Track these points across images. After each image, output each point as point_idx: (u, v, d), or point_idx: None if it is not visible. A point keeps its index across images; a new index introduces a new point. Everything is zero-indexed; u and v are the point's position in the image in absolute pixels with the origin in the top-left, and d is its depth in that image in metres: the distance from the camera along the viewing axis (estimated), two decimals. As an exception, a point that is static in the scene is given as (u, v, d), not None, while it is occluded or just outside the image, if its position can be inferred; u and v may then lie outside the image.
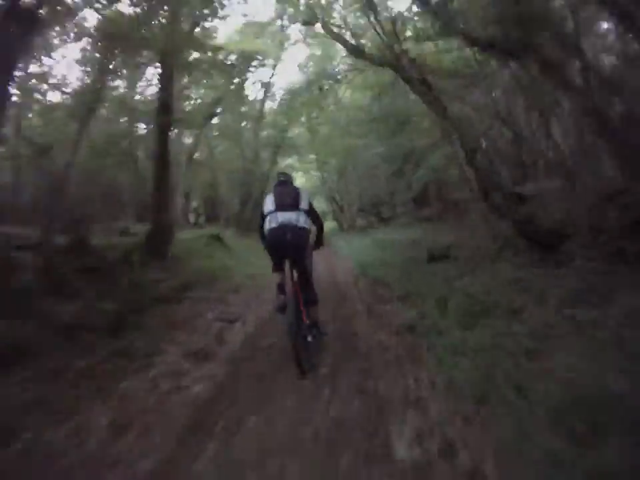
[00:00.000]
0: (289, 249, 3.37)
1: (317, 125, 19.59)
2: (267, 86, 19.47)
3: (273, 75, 19.60)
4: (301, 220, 3.40)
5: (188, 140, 18.53)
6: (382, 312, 5.14)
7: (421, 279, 6.51)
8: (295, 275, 3.43)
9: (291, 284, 3.36)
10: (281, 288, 3.50)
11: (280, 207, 3.42)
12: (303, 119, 18.96)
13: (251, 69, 14.87)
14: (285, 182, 3.75)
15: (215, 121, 17.23)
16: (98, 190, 13.36)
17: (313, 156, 27.34)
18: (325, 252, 7.93)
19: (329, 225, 30.43)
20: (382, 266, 8.97)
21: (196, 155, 18.75)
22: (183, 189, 17.91)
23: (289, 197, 3.49)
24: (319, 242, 3.99)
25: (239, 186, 20.15)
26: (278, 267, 3.51)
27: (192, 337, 4.39)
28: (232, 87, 13.90)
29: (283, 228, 3.32)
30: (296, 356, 2.99)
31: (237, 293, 7.61)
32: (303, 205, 3.51)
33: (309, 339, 3.31)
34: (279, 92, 20.59)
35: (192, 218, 22.94)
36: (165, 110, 8.95)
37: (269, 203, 3.52)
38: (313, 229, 3.73)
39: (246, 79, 15.63)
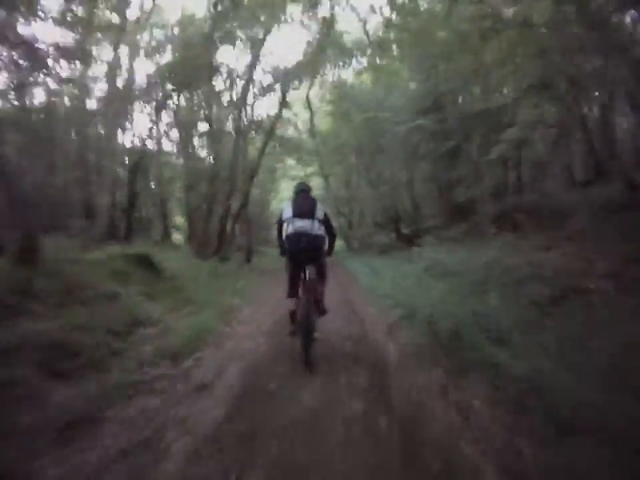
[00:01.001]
0: (305, 253, 3.60)
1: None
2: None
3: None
4: (316, 227, 3.61)
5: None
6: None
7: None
8: (309, 276, 3.63)
9: (304, 287, 3.64)
10: (293, 316, 3.74)
11: (297, 214, 3.63)
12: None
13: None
14: (303, 191, 3.98)
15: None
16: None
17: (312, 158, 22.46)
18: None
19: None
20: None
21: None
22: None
23: (306, 206, 3.69)
24: (330, 250, 4.09)
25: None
26: (293, 292, 3.77)
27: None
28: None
29: (298, 234, 3.57)
30: (305, 355, 3.32)
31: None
32: (319, 214, 3.69)
33: (316, 335, 3.43)
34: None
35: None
36: None
37: (287, 210, 3.75)
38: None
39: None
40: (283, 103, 14.63)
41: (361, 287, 8.57)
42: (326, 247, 3.94)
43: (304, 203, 3.75)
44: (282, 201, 31.76)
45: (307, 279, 3.64)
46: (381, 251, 13.37)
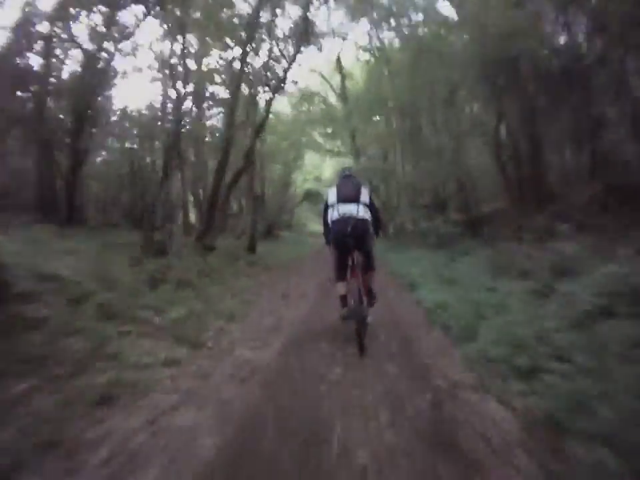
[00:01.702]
0: (352, 237, 3.45)
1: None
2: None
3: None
4: (361, 211, 3.50)
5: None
6: None
7: None
8: (357, 261, 3.54)
9: (353, 272, 3.53)
10: (343, 300, 3.60)
11: (342, 199, 3.56)
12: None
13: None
14: (348, 176, 3.88)
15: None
16: None
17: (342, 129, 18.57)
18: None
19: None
20: None
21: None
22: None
23: (350, 190, 3.61)
24: (377, 232, 3.94)
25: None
26: (341, 275, 3.62)
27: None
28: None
29: (344, 220, 3.47)
30: (358, 338, 3.20)
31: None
32: (364, 198, 3.59)
33: (369, 319, 3.42)
34: None
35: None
36: None
37: (331, 196, 3.68)
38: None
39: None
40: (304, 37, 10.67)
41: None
42: (372, 230, 3.69)
43: (348, 187, 3.66)
44: (306, 180, 28.20)
45: (355, 263, 3.53)
46: (437, 242, 9.26)
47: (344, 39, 18.95)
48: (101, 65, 10.68)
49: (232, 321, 4.44)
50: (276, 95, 10.67)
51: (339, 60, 19.64)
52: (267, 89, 11.13)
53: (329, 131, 21.72)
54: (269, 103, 10.90)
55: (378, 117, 17.79)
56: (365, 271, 3.61)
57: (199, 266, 7.06)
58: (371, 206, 3.66)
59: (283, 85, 10.67)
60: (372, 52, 16.74)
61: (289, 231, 27.10)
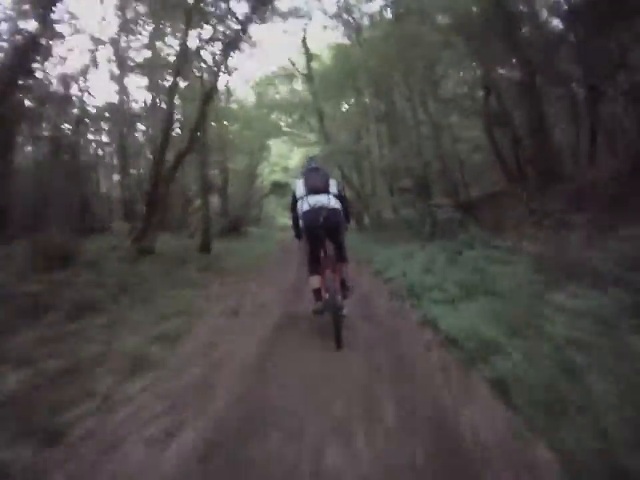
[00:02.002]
0: (324, 228, 3.40)
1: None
2: None
3: None
4: (332, 202, 3.43)
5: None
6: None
7: None
8: (329, 252, 3.54)
9: (326, 264, 3.47)
10: (317, 293, 3.47)
11: (311, 190, 3.49)
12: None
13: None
14: (315, 168, 3.77)
15: None
16: None
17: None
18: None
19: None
20: None
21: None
22: None
23: (319, 181, 3.55)
24: (346, 221, 3.80)
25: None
26: (315, 268, 3.48)
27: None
28: None
29: (316, 210, 3.37)
30: (336, 332, 3.07)
31: None
32: (332, 189, 3.56)
33: (344, 312, 3.29)
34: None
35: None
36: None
37: (300, 187, 3.60)
38: None
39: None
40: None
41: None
42: (344, 222, 3.67)
43: (316, 178, 3.58)
44: (273, 171, 26.25)
45: (328, 255, 3.52)
46: (430, 232, 7.57)
47: (309, 18, 17.45)
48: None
49: (135, 374, 2.71)
50: (230, 52, 8.70)
51: (304, 41, 17.86)
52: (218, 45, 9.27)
53: (295, 117, 19.93)
54: (220, 61, 8.87)
55: (348, 97, 16.10)
56: (337, 263, 3.57)
57: (122, 277, 5.26)
58: (340, 196, 3.61)
59: (239, 40, 8.73)
60: (340, 20, 14.99)
61: (257, 226, 25.22)
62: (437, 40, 11.01)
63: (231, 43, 8.52)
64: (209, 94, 8.16)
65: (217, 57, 9.14)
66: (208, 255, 8.74)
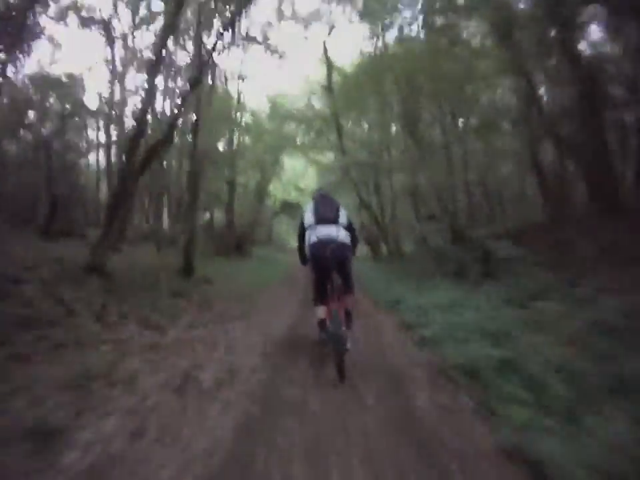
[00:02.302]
0: (331, 262, 3.33)
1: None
2: None
3: None
4: (342, 235, 3.39)
5: None
6: None
7: None
8: (336, 283, 3.41)
9: (332, 296, 3.35)
10: (322, 324, 3.36)
11: (320, 220, 3.44)
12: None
13: None
14: (325, 196, 3.81)
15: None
16: None
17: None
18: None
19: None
20: None
21: None
22: None
23: (329, 211, 3.50)
24: (353, 252, 3.69)
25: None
26: (321, 299, 3.41)
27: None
28: None
29: (324, 243, 3.32)
30: (338, 365, 2.94)
31: None
32: (342, 220, 3.48)
33: (348, 345, 3.07)
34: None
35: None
36: None
37: (308, 216, 3.54)
38: None
39: None
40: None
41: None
42: (352, 255, 3.62)
43: (326, 208, 3.54)
44: (285, 190, 24.75)
45: (334, 286, 3.41)
46: (482, 272, 5.66)
47: (333, 26, 16.36)
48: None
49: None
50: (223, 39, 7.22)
51: (325, 49, 16.72)
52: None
53: (312, 133, 18.54)
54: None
55: (369, 110, 14.56)
56: (343, 294, 3.47)
57: (37, 308, 3.56)
58: (349, 227, 3.54)
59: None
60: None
61: (267, 247, 23.59)
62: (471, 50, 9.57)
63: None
64: (196, 79, 6.63)
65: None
66: (188, 279, 7.03)
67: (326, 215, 3.45)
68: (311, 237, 3.39)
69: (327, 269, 3.35)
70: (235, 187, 18.94)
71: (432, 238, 9.44)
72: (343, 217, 3.48)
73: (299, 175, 23.92)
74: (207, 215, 18.62)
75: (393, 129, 14.21)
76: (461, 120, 12.01)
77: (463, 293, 5.02)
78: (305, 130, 17.98)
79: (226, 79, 17.75)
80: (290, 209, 21.07)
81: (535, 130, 8.75)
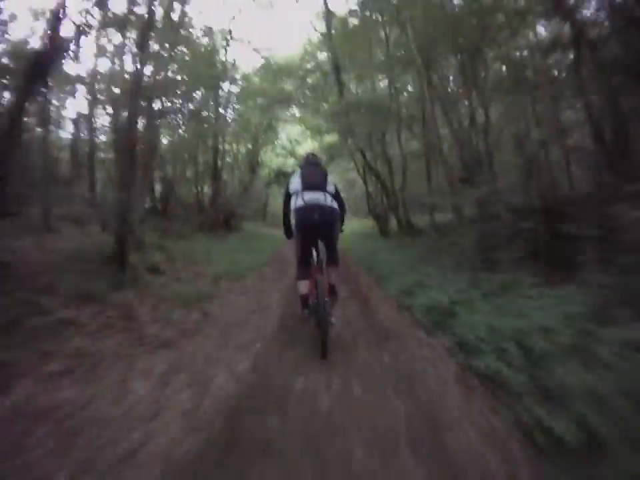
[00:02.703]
0: (318, 227, 3.16)
1: None
2: None
3: None
4: (329, 200, 3.19)
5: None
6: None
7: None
8: (321, 255, 3.28)
9: (316, 268, 3.19)
10: (305, 300, 3.17)
11: (307, 186, 3.21)
12: None
13: None
14: (313, 162, 3.57)
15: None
16: None
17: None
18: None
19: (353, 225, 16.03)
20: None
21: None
22: None
23: (316, 178, 3.29)
24: (340, 226, 3.49)
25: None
26: (304, 272, 3.19)
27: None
28: None
29: (311, 207, 3.11)
30: (322, 340, 2.79)
31: None
32: (330, 188, 3.29)
33: (332, 320, 2.98)
34: None
35: None
36: None
37: (295, 183, 3.31)
38: None
39: None
40: None
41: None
42: (339, 223, 3.40)
43: (314, 174, 3.33)
44: (279, 155, 22.15)
45: (319, 258, 3.25)
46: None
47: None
48: None
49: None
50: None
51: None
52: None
53: (307, 92, 15.87)
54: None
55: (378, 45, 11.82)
56: (328, 266, 3.28)
57: None
58: (337, 196, 3.34)
59: None
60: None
61: (260, 221, 21.39)
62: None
63: None
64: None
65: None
66: (122, 270, 4.84)
67: (313, 181, 3.24)
68: (297, 201, 3.16)
69: (313, 235, 3.22)
70: (222, 154, 16.63)
71: (467, 209, 7.14)
72: (330, 185, 3.30)
73: (295, 142, 21.33)
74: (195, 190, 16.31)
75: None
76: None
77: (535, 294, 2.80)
78: (300, 84, 15.34)
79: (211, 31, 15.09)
80: (285, 178, 18.70)
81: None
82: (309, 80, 14.93)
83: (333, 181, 3.38)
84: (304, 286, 3.15)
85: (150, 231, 8.34)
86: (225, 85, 15.64)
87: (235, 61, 16.18)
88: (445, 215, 10.71)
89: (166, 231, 9.63)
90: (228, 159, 18.76)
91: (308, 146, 20.91)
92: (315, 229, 3.15)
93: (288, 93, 15.47)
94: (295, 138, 20.81)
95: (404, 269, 5.59)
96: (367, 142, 11.73)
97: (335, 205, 3.23)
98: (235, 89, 16.43)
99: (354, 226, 17.79)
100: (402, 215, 11.49)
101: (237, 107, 17.28)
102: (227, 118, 16.68)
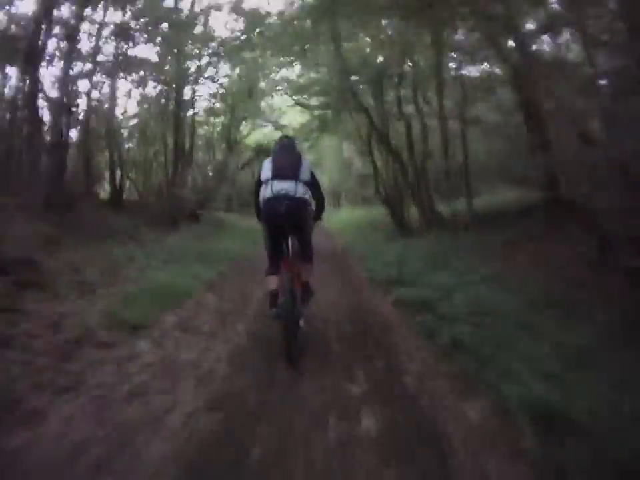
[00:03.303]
0: (286, 221, 2.86)
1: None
2: None
3: None
4: (300, 191, 2.87)
5: None
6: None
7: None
8: (292, 249, 2.97)
9: (286, 263, 2.90)
10: (273, 298, 2.88)
11: (277, 175, 2.90)
12: None
13: None
14: (287, 147, 3.22)
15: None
16: None
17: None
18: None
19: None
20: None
21: None
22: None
23: (288, 165, 2.96)
24: (318, 216, 3.35)
25: None
26: (273, 267, 2.97)
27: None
28: None
29: (278, 199, 2.83)
30: (288, 344, 2.58)
31: None
32: (303, 175, 2.95)
33: (301, 323, 2.81)
34: None
35: None
36: None
37: (265, 170, 3.00)
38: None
39: None
40: None
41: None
42: (311, 213, 3.17)
43: (286, 161, 3.00)
44: (262, 128, 18.40)
45: (290, 252, 2.96)
46: None
47: None
48: None
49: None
50: None
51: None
52: None
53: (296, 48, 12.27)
54: None
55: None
56: (301, 262, 3.01)
57: None
58: (312, 184, 3.02)
59: None
60: None
61: (248, 210, 17.83)
62: None
63: None
64: None
65: None
66: None
67: (284, 168, 2.91)
68: (266, 192, 2.87)
69: (281, 228, 2.93)
70: (192, 130, 13.17)
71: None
72: (304, 173, 2.94)
73: (278, 111, 17.75)
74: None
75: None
76: None
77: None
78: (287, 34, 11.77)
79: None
80: (265, 155, 15.27)
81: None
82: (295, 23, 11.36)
83: (309, 165, 3.05)
84: (272, 281, 2.94)
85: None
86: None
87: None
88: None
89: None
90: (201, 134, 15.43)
91: (294, 116, 17.41)
92: (284, 222, 2.86)
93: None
94: (279, 107, 17.31)
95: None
96: (376, 97, 8.35)
97: (308, 195, 2.95)
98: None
99: (356, 217, 14.99)
100: (425, 202, 8.16)
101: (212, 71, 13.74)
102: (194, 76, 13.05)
